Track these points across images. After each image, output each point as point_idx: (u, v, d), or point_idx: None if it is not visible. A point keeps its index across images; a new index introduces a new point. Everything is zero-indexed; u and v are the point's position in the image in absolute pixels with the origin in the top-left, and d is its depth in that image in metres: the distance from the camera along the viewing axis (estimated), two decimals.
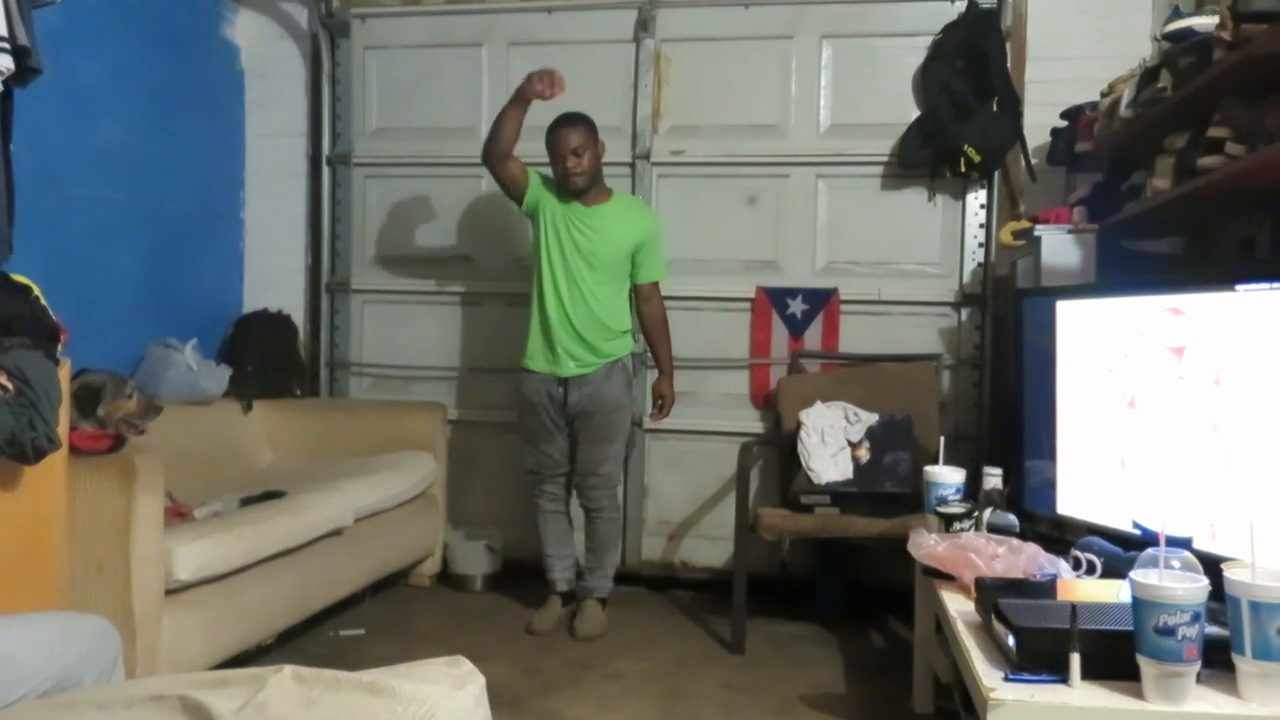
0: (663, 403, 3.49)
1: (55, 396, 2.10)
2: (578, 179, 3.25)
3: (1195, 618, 1.44)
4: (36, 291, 2.24)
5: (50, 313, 2.23)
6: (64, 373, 2.21)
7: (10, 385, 2.00)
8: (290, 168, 4.24)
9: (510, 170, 3.35)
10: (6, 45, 2.27)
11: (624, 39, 3.93)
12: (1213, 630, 1.50)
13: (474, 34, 4.06)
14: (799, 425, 3.46)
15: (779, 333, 3.83)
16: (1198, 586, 1.45)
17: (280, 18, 4.25)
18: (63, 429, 2.16)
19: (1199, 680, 1.49)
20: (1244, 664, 1.47)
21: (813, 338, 3.80)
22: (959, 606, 1.99)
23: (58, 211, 3.20)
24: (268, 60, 4.24)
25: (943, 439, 2.79)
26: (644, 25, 3.90)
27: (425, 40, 4.11)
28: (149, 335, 3.58)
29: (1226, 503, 1.95)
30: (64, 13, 2.69)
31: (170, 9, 3.81)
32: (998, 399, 3.55)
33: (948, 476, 2.52)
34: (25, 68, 2.33)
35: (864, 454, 3.38)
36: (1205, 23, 2.36)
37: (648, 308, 3.44)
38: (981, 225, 3.70)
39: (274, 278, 4.24)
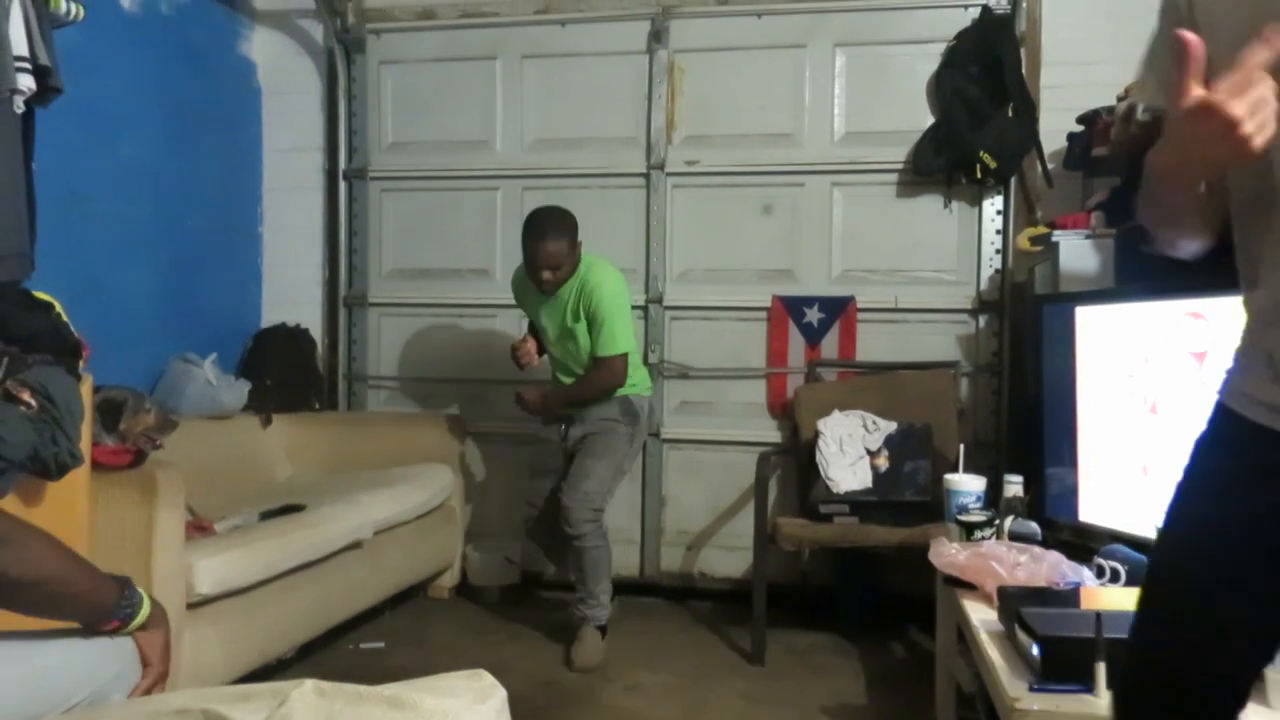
0: (520, 400, 3.34)
1: (77, 412, 2.11)
2: (549, 288, 3.20)
3: None
4: (58, 308, 2.26)
5: (72, 329, 2.25)
6: (85, 388, 2.22)
7: (33, 401, 2.02)
8: (307, 182, 4.27)
9: None
10: (28, 65, 2.30)
11: (637, 50, 3.95)
12: None
13: (488, 47, 4.09)
14: (817, 434, 3.45)
15: (796, 341, 3.82)
16: None
17: (296, 34, 4.28)
18: (85, 444, 2.18)
19: None
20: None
21: (830, 346, 3.79)
22: (981, 616, 1.98)
23: (78, 229, 3.24)
24: (284, 76, 4.28)
25: (962, 447, 2.78)
26: (657, 36, 3.91)
27: (439, 54, 4.14)
28: (169, 350, 3.61)
29: None
30: (84, 32, 2.72)
31: (188, 27, 3.85)
32: (1017, 406, 3.53)
33: (968, 484, 2.51)
34: (46, 87, 2.37)
35: (883, 463, 3.37)
36: None
37: (591, 373, 3.24)
38: (998, 231, 3.69)
39: (292, 292, 4.26)
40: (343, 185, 4.22)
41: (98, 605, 1.32)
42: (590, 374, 3.25)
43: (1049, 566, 2.02)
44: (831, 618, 3.54)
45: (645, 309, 3.89)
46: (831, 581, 3.66)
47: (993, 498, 2.57)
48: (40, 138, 2.46)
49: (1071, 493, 2.51)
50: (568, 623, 3.33)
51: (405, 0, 4.14)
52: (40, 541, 1.27)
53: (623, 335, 3.18)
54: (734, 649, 3.30)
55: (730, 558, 3.88)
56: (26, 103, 2.34)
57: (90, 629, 1.32)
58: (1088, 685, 1.53)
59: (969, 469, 2.62)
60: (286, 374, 4.02)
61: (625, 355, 3.19)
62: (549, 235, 3.11)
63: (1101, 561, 2.06)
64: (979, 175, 3.57)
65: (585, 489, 3.16)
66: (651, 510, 3.95)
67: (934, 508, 3.05)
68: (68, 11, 2.47)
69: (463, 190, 4.12)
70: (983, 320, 3.72)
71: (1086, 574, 2.03)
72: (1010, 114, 3.49)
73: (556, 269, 3.14)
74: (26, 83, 2.30)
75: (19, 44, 2.28)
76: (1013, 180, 3.63)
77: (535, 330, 3.46)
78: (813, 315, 3.80)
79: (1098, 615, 1.55)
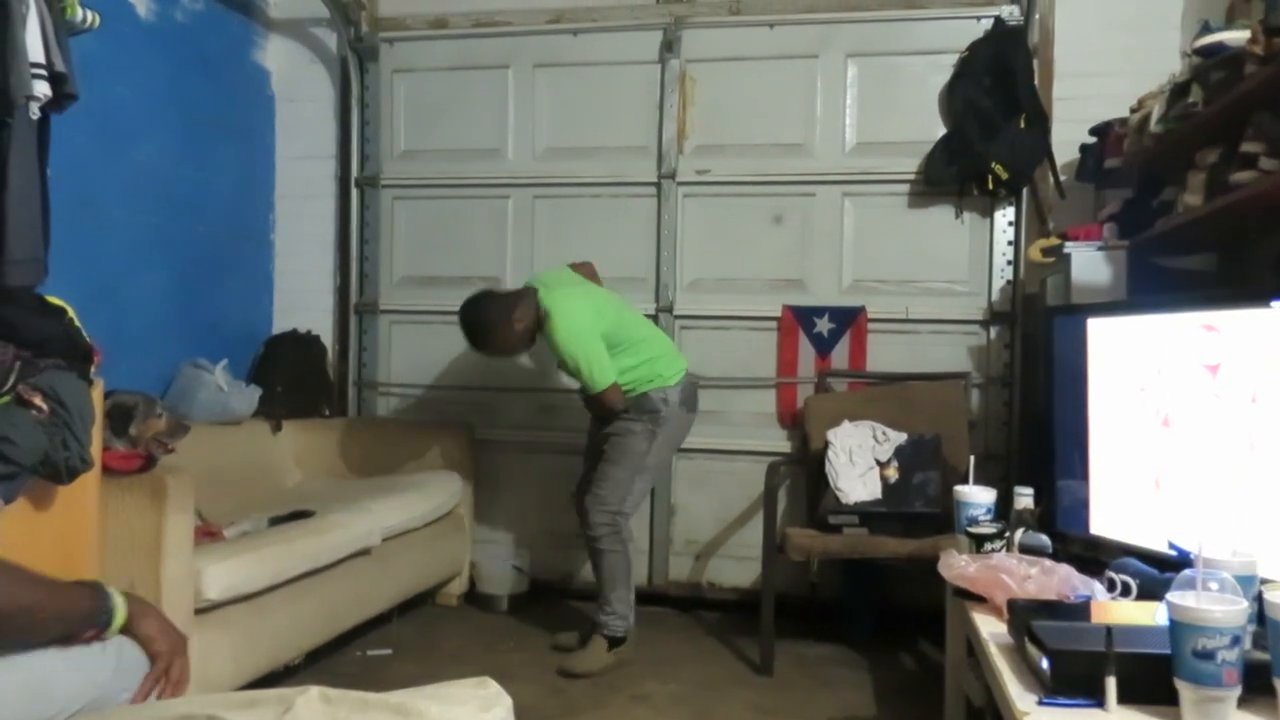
0: None
1: (88, 417, 2.12)
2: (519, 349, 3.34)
3: (1235, 641, 1.41)
4: (71, 313, 2.27)
5: (84, 334, 2.26)
6: (97, 393, 2.23)
7: (44, 406, 2.03)
8: (319, 190, 4.28)
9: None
10: (44, 72, 2.31)
11: (649, 60, 3.95)
12: (1254, 654, 1.47)
13: (500, 56, 4.10)
14: (826, 444, 3.44)
15: (806, 352, 3.81)
16: (1237, 609, 1.42)
17: (310, 42, 4.31)
18: (95, 449, 2.18)
19: (1239, 705, 1.46)
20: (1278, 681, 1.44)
21: (840, 356, 3.78)
22: (991, 628, 1.96)
23: (92, 234, 3.26)
24: (298, 84, 4.30)
25: (972, 458, 2.75)
26: (669, 46, 3.92)
27: (452, 63, 4.15)
28: (180, 356, 3.63)
29: (1265, 523, 1.91)
30: (99, 40, 2.74)
31: (203, 35, 3.87)
32: (1028, 418, 3.51)
33: (978, 496, 2.49)
34: (62, 94, 2.38)
35: (892, 473, 3.35)
36: (1236, 37, 2.34)
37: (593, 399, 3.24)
38: (1010, 242, 3.68)
39: (303, 299, 4.28)
40: (355, 193, 4.24)
41: (73, 622, 1.31)
42: (593, 399, 3.24)
43: (1060, 579, 2.00)
44: (840, 629, 3.52)
45: (655, 318, 3.89)
46: (840, 593, 3.64)
47: (1003, 510, 2.55)
48: (55, 144, 2.47)
49: (1083, 505, 2.49)
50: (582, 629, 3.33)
51: (418, 9, 4.16)
52: (8, 575, 1.26)
53: (599, 370, 3.12)
54: (742, 659, 3.29)
55: (739, 568, 3.87)
56: (42, 109, 2.36)
57: (71, 641, 1.31)
58: (1098, 700, 1.51)
59: (979, 480, 2.60)
60: (297, 380, 4.03)
61: (614, 384, 3.15)
62: (476, 343, 3.24)
63: (1113, 575, 2.04)
64: (991, 186, 3.56)
65: (599, 493, 3.19)
66: (660, 519, 3.94)
67: (944, 519, 3.04)
68: (84, 19, 2.49)
69: (474, 198, 4.13)
70: (994, 331, 3.70)
71: (1097, 587, 2.01)
72: (1022, 125, 3.48)
73: (505, 354, 3.32)
74: (42, 89, 2.32)
75: (35, 51, 2.29)
76: (1025, 191, 3.63)
77: None
78: (823, 325, 3.79)
79: (1109, 629, 1.54)
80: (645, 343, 3.28)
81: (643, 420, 3.21)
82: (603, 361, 3.12)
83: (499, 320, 3.17)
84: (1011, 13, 3.64)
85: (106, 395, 2.43)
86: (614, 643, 3.19)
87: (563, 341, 3.11)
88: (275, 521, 2.98)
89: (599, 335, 3.13)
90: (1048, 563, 2.09)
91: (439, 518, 3.61)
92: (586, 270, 3.47)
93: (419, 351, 4.22)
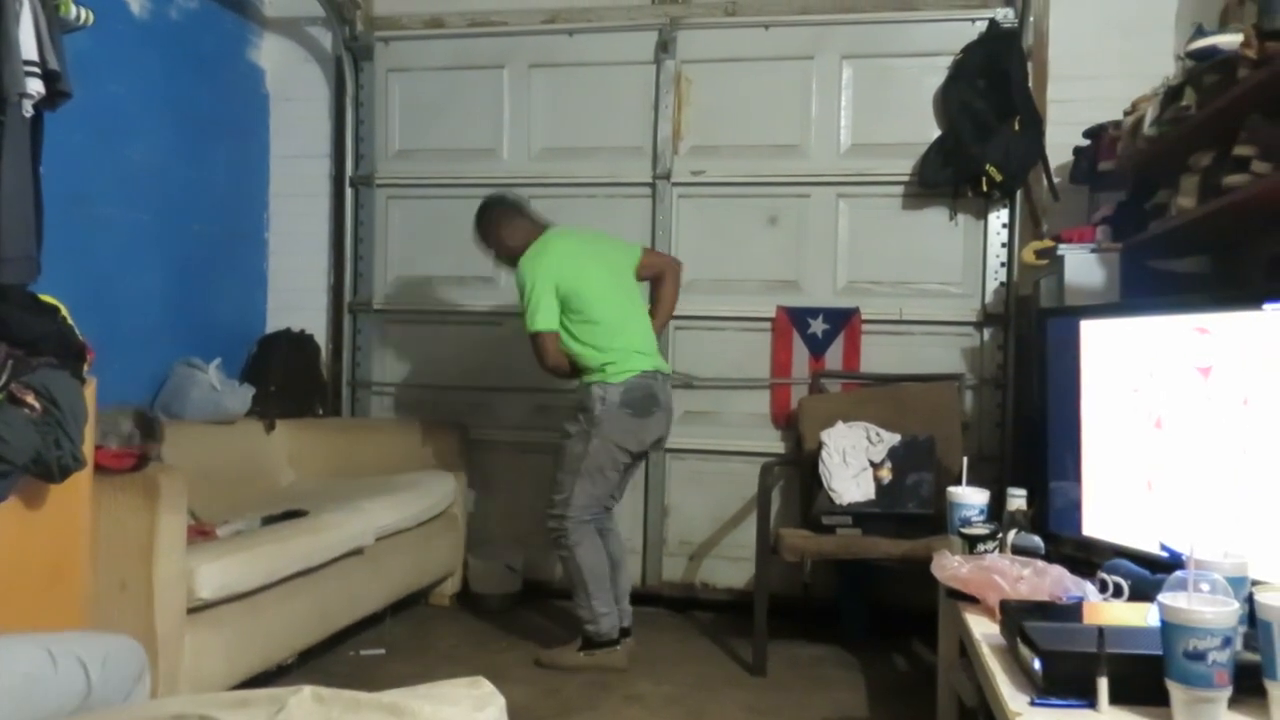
0: None
1: (81, 415, 2.12)
2: (500, 263, 3.43)
3: (1226, 642, 1.41)
4: (64, 311, 2.27)
5: (77, 332, 2.26)
6: (90, 392, 2.23)
7: (37, 404, 2.02)
8: (314, 189, 4.28)
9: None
10: (37, 70, 2.31)
11: (645, 60, 3.95)
12: (1245, 655, 1.47)
13: (496, 56, 4.10)
14: (820, 445, 3.44)
15: (800, 352, 3.82)
16: (1228, 610, 1.43)
17: (305, 41, 4.30)
18: (88, 447, 2.18)
19: (1230, 706, 1.46)
20: (1276, 690, 1.44)
21: (834, 357, 3.79)
22: (983, 629, 1.97)
23: (85, 232, 3.25)
24: (292, 83, 4.30)
25: (966, 459, 2.76)
26: (664, 47, 3.92)
27: (447, 62, 4.15)
28: (174, 355, 3.62)
29: (1257, 525, 1.92)
30: (93, 37, 2.73)
31: (197, 33, 3.87)
32: (1021, 419, 3.52)
33: (971, 497, 2.50)
34: (55, 91, 2.38)
35: (886, 474, 3.36)
36: (1230, 41, 2.35)
37: None
38: (1004, 244, 3.69)
39: (297, 298, 4.27)
40: (349, 192, 4.23)
41: None
42: (532, 346, 3.21)
43: (1052, 580, 2.00)
44: (833, 630, 3.53)
45: None
46: (834, 593, 3.65)
47: (996, 511, 2.56)
48: (48, 142, 2.47)
49: (1075, 507, 2.50)
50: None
51: (414, 9, 4.16)
52: None
53: (536, 311, 3.09)
54: (735, 660, 3.29)
55: (732, 568, 3.87)
56: (35, 107, 2.35)
57: None
58: (1090, 700, 1.52)
59: (972, 482, 2.60)
60: (290, 380, 4.03)
61: (549, 334, 3.11)
62: (476, 223, 3.39)
63: (1105, 576, 2.05)
64: (985, 188, 3.57)
65: (553, 497, 3.19)
66: (654, 520, 3.94)
67: (937, 520, 3.04)
68: (77, 16, 2.49)
69: (469, 198, 4.07)
70: (987, 333, 3.71)
71: (1089, 588, 2.02)
72: (1017, 127, 3.49)
73: (484, 245, 3.37)
74: (35, 87, 2.31)
75: (28, 48, 2.28)
76: (1018, 194, 3.63)
77: None
78: (817, 326, 3.80)
79: (1100, 630, 1.54)
80: (606, 328, 3.14)
81: (579, 421, 3.15)
82: (542, 304, 3.11)
83: (484, 229, 3.34)
84: (1006, 15, 3.65)
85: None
86: (588, 644, 3.17)
87: (520, 274, 3.17)
88: (268, 521, 2.97)
89: (552, 281, 3.12)
90: (1040, 564, 2.09)
91: (432, 518, 3.60)
92: (657, 262, 3.40)
93: (413, 351, 4.22)
